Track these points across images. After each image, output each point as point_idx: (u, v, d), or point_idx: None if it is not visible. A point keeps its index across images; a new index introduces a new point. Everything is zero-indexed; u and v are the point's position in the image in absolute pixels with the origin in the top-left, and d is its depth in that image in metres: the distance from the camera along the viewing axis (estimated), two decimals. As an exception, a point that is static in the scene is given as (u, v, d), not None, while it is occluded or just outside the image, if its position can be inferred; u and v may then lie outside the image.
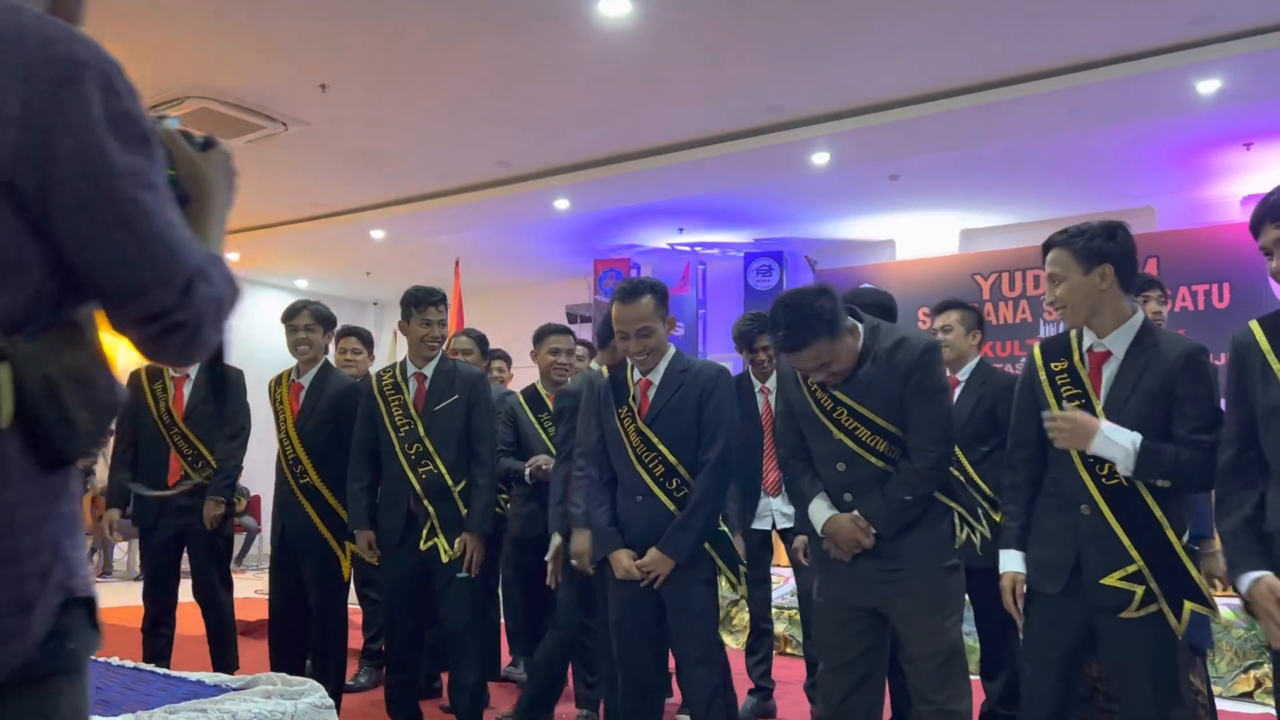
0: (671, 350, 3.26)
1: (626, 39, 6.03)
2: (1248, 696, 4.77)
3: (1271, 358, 2.10)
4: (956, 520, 2.75)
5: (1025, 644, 2.55)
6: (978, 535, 3.00)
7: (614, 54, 6.23)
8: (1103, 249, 2.44)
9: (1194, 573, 2.38)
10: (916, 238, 9.52)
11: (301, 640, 4.15)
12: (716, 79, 6.60)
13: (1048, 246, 2.54)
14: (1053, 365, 2.54)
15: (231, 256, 12.59)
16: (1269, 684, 4.77)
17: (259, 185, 9.01)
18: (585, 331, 9.33)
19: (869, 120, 7.07)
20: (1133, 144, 7.40)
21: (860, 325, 2.72)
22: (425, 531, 3.69)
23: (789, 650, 5.89)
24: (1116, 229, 2.48)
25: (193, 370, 4.32)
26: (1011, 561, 2.56)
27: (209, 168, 1.22)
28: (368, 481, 3.86)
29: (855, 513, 2.70)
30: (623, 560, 3.03)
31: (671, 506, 3.03)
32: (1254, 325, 2.18)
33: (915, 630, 2.64)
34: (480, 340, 4.96)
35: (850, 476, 2.71)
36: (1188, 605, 2.36)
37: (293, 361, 4.26)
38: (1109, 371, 2.46)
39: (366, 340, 5.15)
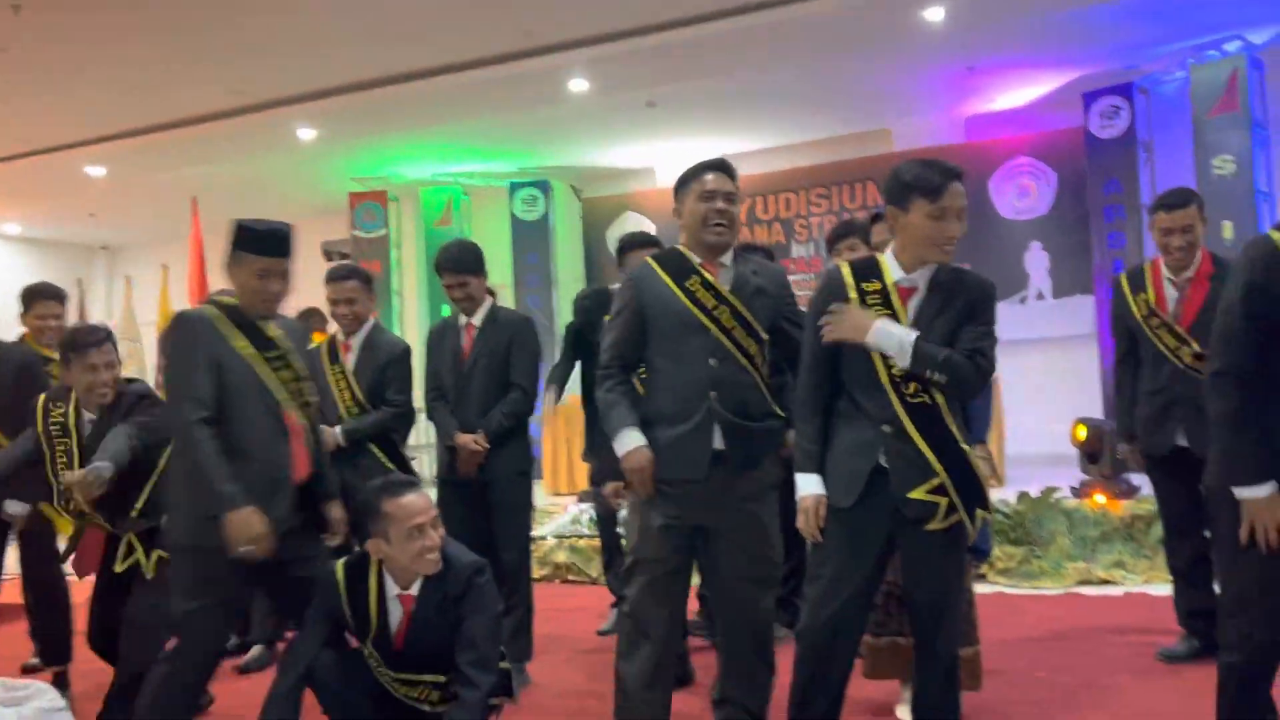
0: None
1: (366, -44, 5.65)
2: (980, 578, 5.29)
3: None
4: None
5: (820, 557, 2.60)
6: None
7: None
8: None
9: (982, 481, 2.55)
10: (676, 164, 9.55)
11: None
12: (465, 1, 6.34)
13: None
14: (865, 286, 2.57)
15: (-75, 200, 10.98)
16: (1001, 565, 5.29)
17: (-54, 119, 7.92)
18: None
19: (623, 46, 7.04)
20: (870, 70, 7.76)
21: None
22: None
23: (570, 577, 5.98)
24: None
25: None
26: (812, 484, 2.58)
27: None
28: None
29: (649, 454, 2.78)
30: None
31: None
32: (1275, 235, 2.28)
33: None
34: None
35: (720, 373, 2.78)
36: (980, 513, 2.53)
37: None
38: (911, 304, 2.54)
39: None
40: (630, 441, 2.81)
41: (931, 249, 2.52)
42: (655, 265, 2.89)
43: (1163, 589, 4.54)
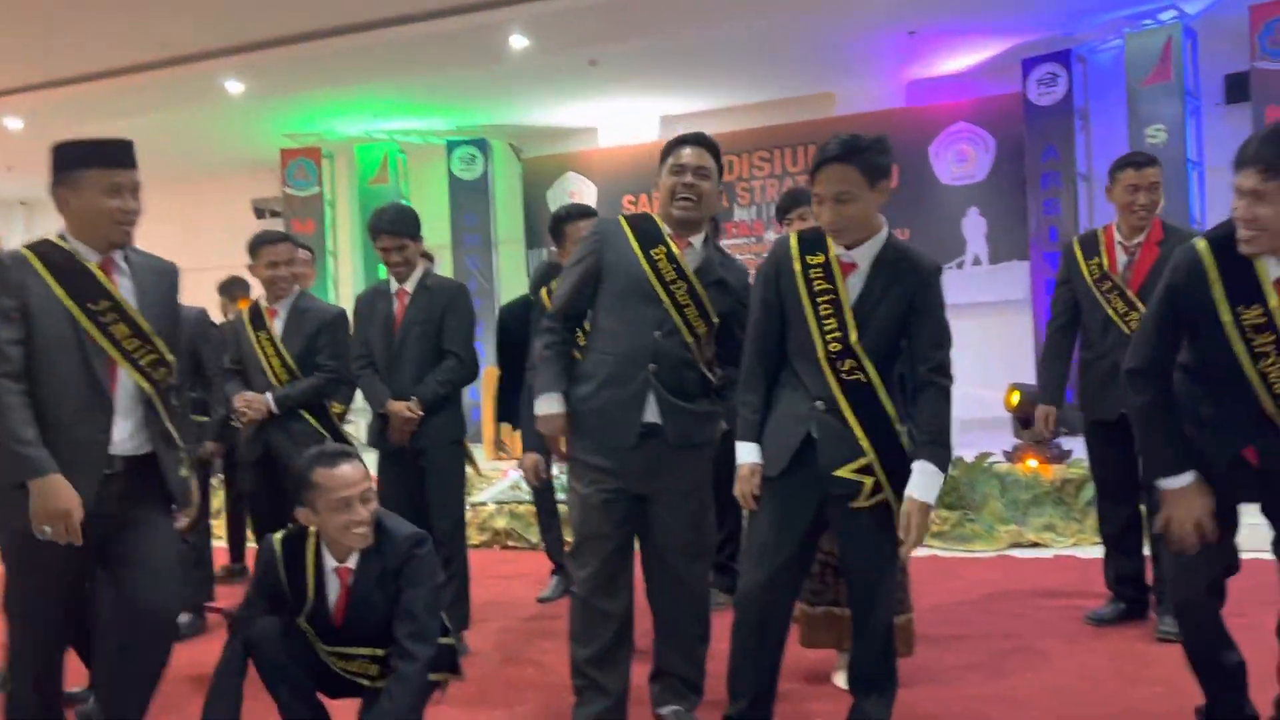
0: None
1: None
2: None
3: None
4: None
5: (754, 525, 2.61)
6: None
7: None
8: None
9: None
10: (619, 125, 9.52)
11: None
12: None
13: (834, 160, 2.42)
14: (809, 259, 2.53)
15: None
16: (935, 529, 5.35)
17: None
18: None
19: (565, 3, 6.91)
20: (813, 32, 7.72)
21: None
22: None
23: (510, 543, 5.94)
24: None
25: None
26: (750, 453, 2.57)
27: None
28: None
29: (563, 424, 2.78)
30: None
31: None
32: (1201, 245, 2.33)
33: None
34: None
35: (662, 346, 2.72)
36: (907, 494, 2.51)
37: None
38: (853, 281, 2.51)
39: None
40: (549, 406, 2.78)
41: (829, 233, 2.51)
42: (625, 225, 2.83)
43: (1090, 551, 4.66)
